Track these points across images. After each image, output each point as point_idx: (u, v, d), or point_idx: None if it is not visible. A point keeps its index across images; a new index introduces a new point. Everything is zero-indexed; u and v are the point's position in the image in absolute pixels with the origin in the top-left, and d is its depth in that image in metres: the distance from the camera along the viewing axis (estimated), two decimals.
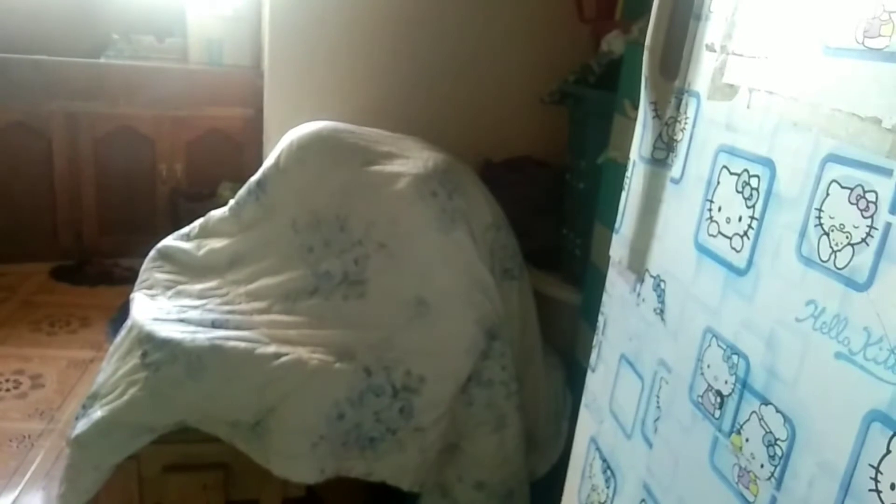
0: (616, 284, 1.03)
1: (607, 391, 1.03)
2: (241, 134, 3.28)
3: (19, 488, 1.89)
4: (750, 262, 0.70)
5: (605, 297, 1.07)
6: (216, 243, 1.81)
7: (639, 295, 0.94)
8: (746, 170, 0.72)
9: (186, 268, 1.77)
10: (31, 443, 2.07)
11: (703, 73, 0.83)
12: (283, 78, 2.21)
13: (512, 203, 1.88)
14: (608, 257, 1.07)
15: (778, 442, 0.64)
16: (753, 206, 0.70)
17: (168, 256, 1.80)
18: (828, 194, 0.61)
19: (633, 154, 0.98)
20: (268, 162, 1.88)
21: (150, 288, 1.67)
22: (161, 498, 1.47)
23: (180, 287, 1.68)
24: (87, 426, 1.40)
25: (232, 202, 1.90)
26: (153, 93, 3.15)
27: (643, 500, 0.89)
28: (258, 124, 2.90)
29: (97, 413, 1.40)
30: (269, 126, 2.28)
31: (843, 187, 0.59)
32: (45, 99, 3.05)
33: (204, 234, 1.86)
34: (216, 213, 1.90)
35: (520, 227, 1.85)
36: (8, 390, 2.30)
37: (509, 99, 2.30)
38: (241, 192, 1.89)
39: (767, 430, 0.65)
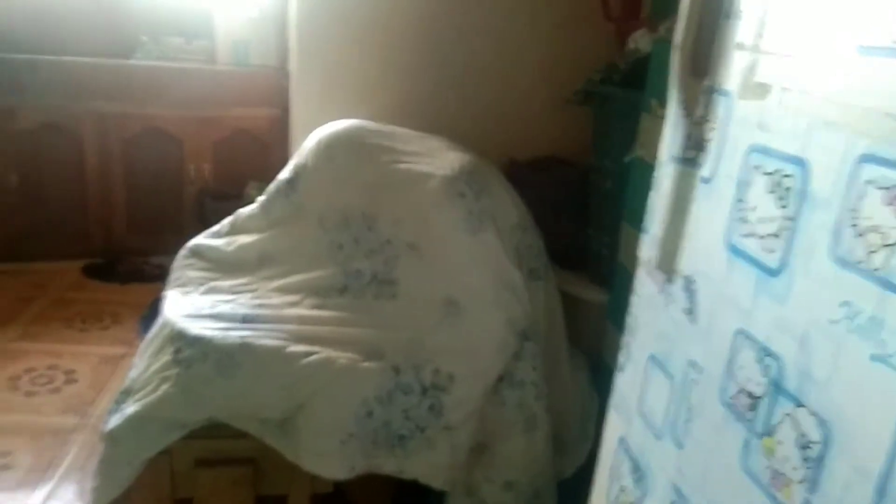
0: (645, 285, 1.02)
1: (636, 392, 1.02)
2: (267, 134, 3.31)
3: (53, 481, 1.93)
4: (783, 263, 0.70)
5: (633, 298, 1.07)
6: (246, 239, 1.83)
7: (668, 295, 0.94)
8: (779, 169, 0.72)
9: (218, 264, 1.79)
10: (64, 437, 2.11)
11: (733, 71, 0.82)
12: (309, 77, 2.23)
13: (537, 203, 1.88)
14: (636, 257, 1.07)
15: (812, 444, 0.63)
16: (786, 207, 0.70)
17: (199, 254, 1.83)
18: (862, 195, 0.60)
19: (663, 154, 0.98)
20: (296, 159, 1.90)
21: (183, 286, 1.70)
22: (192, 492, 1.49)
23: (212, 283, 1.70)
24: (121, 421, 1.42)
25: (261, 198, 1.92)
26: (181, 94, 3.19)
27: (673, 502, 0.88)
28: (284, 124, 2.93)
29: (130, 408, 1.43)
30: (296, 126, 2.30)
31: (878, 188, 0.59)
32: (75, 100, 3.11)
33: (234, 231, 1.89)
34: (245, 211, 1.92)
35: (545, 226, 1.85)
36: (42, 385, 2.35)
37: (534, 98, 2.29)
38: (270, 188, 1.91)
39: (801, 433, 0.65)
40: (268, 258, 1.77)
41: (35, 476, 1.94)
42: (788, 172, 0.70)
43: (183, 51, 3.38)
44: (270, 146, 3.26)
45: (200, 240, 1.89)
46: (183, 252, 1.84)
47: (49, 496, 1.87)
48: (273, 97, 3.22)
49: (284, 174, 1.90)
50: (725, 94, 0.84)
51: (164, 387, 1.42)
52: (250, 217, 1.89)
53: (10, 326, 2.69)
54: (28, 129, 3.10)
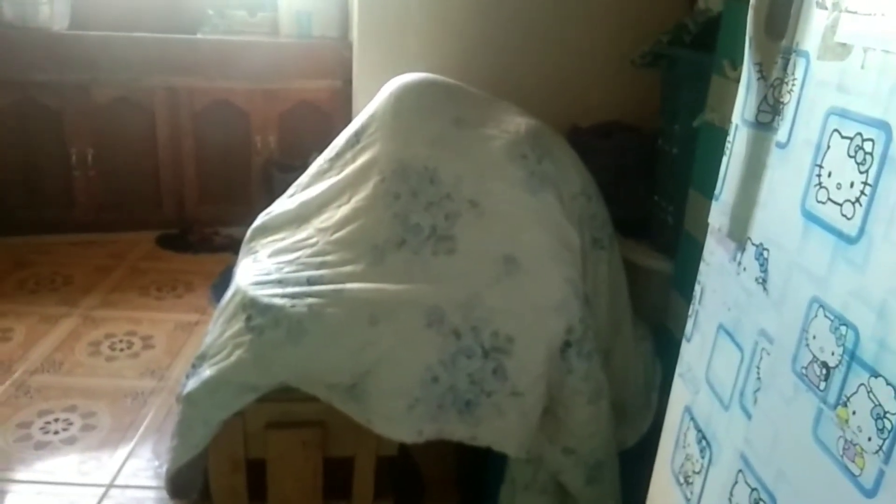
0: (715, 253, 1.00)
1: (703, 361, 1.01)
2: (329, 105, 3.35)
3: (134, 441, 2.03)
4: (862, 230, 0.67)
5: (702, 266, 1.05)
6: (311, 192, 1.84)
7: (739, 264, 0.92)
8: (860, 133, 0.69)
9: (284, 224, 1.81)
10: (143, 400, 2.22)
11: (812, 31, 0.79)
12: (370, 48, 2.24)
13: (601, 170, 1.85)
14: (702, 225, 1.05)
15: (888, 415, 0.62)
16: (867, 172, 0.67)
17: (267, 225, 1.85)
18: None
19: (736, 117, 0.95)
20: (366, 111, 1.90)
21: (254, 253, 1.74)
22: (263, 452, 1.55)
23: (277, 245, 1.73)
24: (197, 384, 1.48)
25: (330, 152, 1.91)
26: (247, 66, 3.25)
27: (740, 471, 0.88)
28: (346, 96, 2.96)
29: (206, 372, 1.48)
30: (358, 97, 2.31)
31: None
32: (146, 74, 3.20)
33: (302, 187, 1.90)
34: (314, 166, 1.92)
35: (609, 194, 1.82)
36: (122, 350, 2.47)
37: (598, 61, 2.25)
38: (339, 140, 1.90)
39: (876, 403, 0.63)
40: (324, 205, 1.78)
41: (116, 436, 2.05)
42: (869, 136, 0.67)
43: (247, 24, 3.44)
44: (333, 117, 3.30)
45: (268, 210, 1.91)
46: (253, 226, 1.87)
47: (130, 455, 1.98)
48: (335, 69, 3.25)
49: (353, 126, 1.90)
50: (803, 54, 0.81)
51: (238, 352, 1.47)
52: (319, 171, 1.90)
53: (91, 294, 2.82)
54: (102, 104, 3.21)
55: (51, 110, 3.16)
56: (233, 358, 1.46)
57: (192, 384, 1.50)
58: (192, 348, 2.40)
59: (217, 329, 1.56)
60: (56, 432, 2.04)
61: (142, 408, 2.18)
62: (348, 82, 2.65)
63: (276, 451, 1.55)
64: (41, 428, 2.05)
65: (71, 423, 2.08)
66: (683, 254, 1.71)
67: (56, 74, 3.10)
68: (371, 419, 1.46)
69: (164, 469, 1.68)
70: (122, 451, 1.99)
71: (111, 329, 2.59)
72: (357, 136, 1.85)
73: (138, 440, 2.04)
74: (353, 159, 1.81)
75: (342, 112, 3.11)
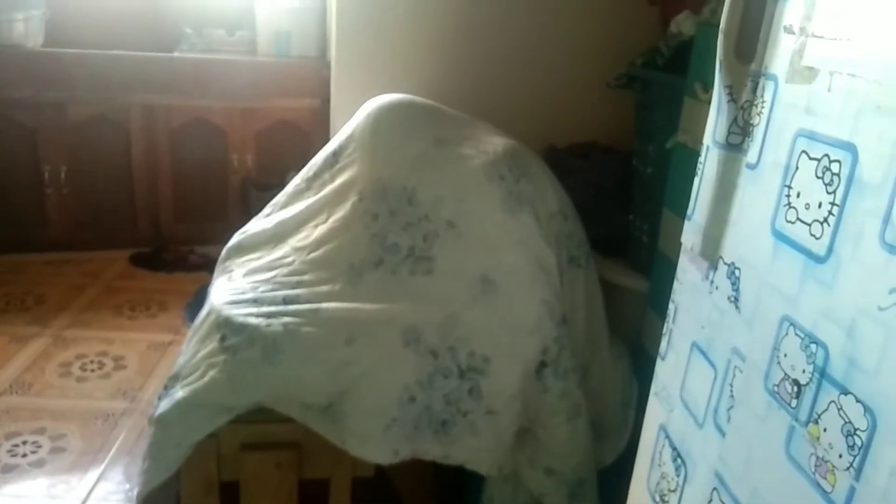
0: (687, 272, 1.02)
1: (678, 379, 1.02)
2: (307, 124, 3.35)
3: (105, 463, 1.99)
4: (830, 250, 0.69)
5: (675, 285, 1.06)
6: (288, 213, 1.83)
7: (712, 282, 0.93)
8: (827, 154, 0.71)
9: (260, 243, 1.80)
10: (114, 421, 2.18)
11: (781, 55, 0.81)
12: (348, 67, 2.25)
13: (577, 189, 1.87)
14: (676, 244, 1.06)
15: (857, 432, 0.63)
16: (834, 192, 0.69)
17: (242, 244, 1.84)
18: None
19: (707, 139, 0.97)
20: (343, 131, 1.90)
21: (228, 272, 1.72)
22: (238, 475, 1.53)
23: (253, 264, 1.71)
24: (170, 406, 1.46)
25: (307, 172, 1.91)
26: (224, 85, 3.24)
27: (715, 489, 0.88)
28: (325, 115, 2.96)
29: (179, 393, 1.46)
30: (336, 116, 2.32)
31: None
32: (123, 92, 3.18)
33: (278, 207, 1.90)
34: (291, 186, 1.91)
35: (586, 213, 1.84)
36: (93, 371, 2.43)
37: (575, 83, 2.28)
38: (317, 160, 1.90)
39: (847, 420, 0.64)
40: (302, 223, 1.77)
41: (87, 458, 2.01)
42: (836, 158, 0.69)
43: (225, 42, 3.44)
44: (311, 136, 3.30)
45: (246, 227, 1.90)
46: (228, 245, 1.86)
47: (100, 478, 1.94)
48: (314, 88, 3.26)
49: (331, 146, 1.90)
50: (772, 78, 0.82)
51: (211, 373, 1.45)
52: (296, 191, 1.89)
53: (62, 314, 2.78)
54: (77, 121, 3.18)
55: (25, 128, 3.12)
56: (206, 378, 1.44)
57: (164, 405, 1.47)
58: (165, 369, 2.36)
59: (190, 349, 1.54)
60: (24, 455, 1.99)
61: (113, 429, 2.14)
62: (326, 101, 2.65)
63: (251, 473, 1.53)
64: (9, 451, 2.00)
65: (40, 446, 2.03)
66: (658, 272, 1.73)
67: (31, 92, 3.07)
68: (346, 440, 1.45)
69: (135, 492, 1.65)
70: (93, 474, 1.95)
71: (83, 349, 2.54)
72: (335, 156, 1.85)
73: (109, 463, 2.00)
74: (332, 179, 1.81)
75: (320, 131, 3.11)
